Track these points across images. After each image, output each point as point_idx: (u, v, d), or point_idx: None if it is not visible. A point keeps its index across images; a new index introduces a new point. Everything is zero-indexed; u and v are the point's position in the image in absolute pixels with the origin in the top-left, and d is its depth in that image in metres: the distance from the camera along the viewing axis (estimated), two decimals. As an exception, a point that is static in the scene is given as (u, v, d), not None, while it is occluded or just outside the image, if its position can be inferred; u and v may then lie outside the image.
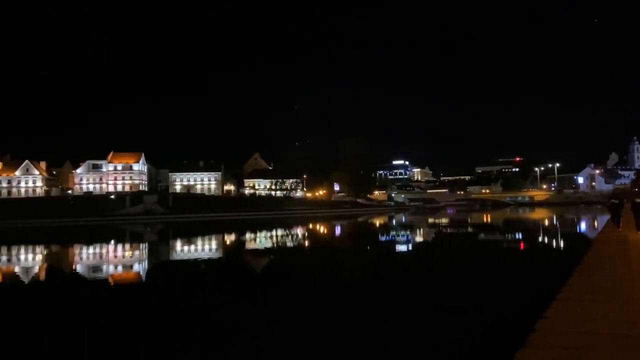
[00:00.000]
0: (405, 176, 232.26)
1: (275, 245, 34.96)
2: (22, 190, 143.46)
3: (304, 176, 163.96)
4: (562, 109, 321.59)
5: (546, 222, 54.93)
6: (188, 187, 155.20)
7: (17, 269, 23.42)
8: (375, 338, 9.03)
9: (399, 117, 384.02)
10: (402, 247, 28.09)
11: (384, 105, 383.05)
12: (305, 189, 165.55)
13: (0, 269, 23.93)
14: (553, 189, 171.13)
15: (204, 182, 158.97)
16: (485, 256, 22.13)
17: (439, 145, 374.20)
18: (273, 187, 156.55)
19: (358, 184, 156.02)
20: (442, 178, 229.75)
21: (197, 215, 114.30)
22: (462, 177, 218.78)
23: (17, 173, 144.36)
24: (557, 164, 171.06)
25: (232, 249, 34.42)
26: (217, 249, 33.14)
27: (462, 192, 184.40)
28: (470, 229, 47.24)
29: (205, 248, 33.77)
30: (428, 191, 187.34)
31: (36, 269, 23.49)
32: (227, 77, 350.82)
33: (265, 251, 29.64)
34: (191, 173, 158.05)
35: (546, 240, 32.07)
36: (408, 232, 43.17)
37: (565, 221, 55.21)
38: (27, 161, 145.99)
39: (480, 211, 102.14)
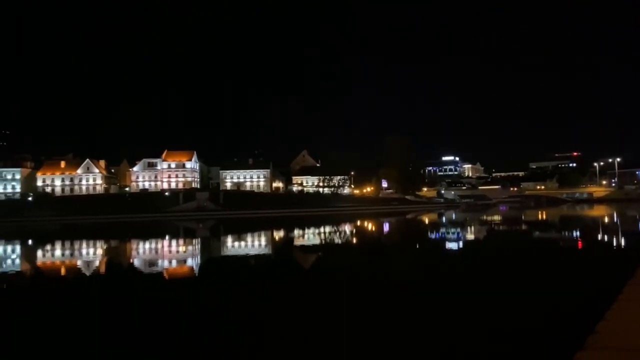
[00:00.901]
0: (456, 172, 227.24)
1: (323, 242, 35.13)
2: (84, 187, 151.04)
3: (352, 173, 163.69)
4: (623, 101, 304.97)
5: (606, 220, 52.29)
6: (238, 185, 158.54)
7: (79, 263, 24.71)
8: (435, 341, 8.92)
9: (448, 112, 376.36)
10: (452, 245, 27.55)
11: (433, 100, 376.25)
12: (352, 186, 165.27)
13: (64, 263, 25.31)
14: (613, 184, 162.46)
15: (253, 179, 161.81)
16: (541, 255, 21.36)
17: (491, 140, 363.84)
18: (320, 184, 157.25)
19: (406, 181, 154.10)
20: (494, 174, 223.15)
21: (247, 211, 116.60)
22: (515, 173, 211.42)
23: (79, 171, 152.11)
24: (618, 159, 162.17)
25: (281, 245, 34.87)
26: (266, 245, 33.69)
27: (515, 189, 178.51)
28: (524, 227, 45.67)
29: (255, 244, 34.40)
30: (479, 188, 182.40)
31: (97, 263, 24.69)
32: (274, 76, 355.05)
33: (314, 248, 29.84)
34: (241, 170, 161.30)
35: (606, 238, 30.56)
36: (459, 230, 42.24)
37: (626, 219, 52.35)
38: (87, 160, 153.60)
39: (535, 208, 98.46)
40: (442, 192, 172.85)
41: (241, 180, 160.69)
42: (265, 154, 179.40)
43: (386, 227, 52.13)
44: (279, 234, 45.53)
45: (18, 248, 37.27)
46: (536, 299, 11.71)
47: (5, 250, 35.38)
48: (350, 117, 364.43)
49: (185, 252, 29.96)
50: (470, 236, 35.02)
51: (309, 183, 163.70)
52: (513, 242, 28.65)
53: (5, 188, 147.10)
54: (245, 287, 15.06)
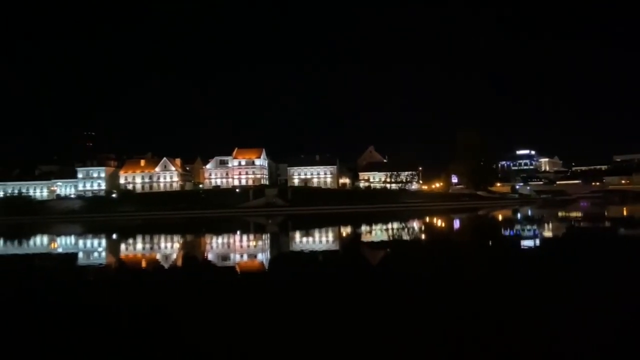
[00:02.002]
0: (531, 167, 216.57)
1: (391, 238, 34.72)
2: (162, 184, 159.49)
3: (420, 168, 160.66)
4: None
5: None
6: (305, 181, 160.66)
7: (158, 256, 26.04)
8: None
9: (524, 104, 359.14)
10: (528, 243, 26.24)
11: (507, 92, 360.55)
12: (421, 182, 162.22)
13: (144, 256, 26.78)
14: None
15: (320, 175, 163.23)
16: (630, 256, 19.83)
17: (570, 132, 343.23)
18: (388, 179, 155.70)
19: (477, 176, 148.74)
20: (573, 168, 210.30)
21: (314, 207, 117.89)
22: (597, 167, 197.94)
23: (157, 169, 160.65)
24: None
25: (348, 241, 34.88)
26: (334, 241, 33.82)
27: (597, 183, 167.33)
28: (608, 224, 42.60)
29: (322, 240, 34.64)
30: (557, 182, 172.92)
31: (174, 256, 25.92)
32: (345, 75, 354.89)
33: (381, 244, 29.55)
34: (308, 167, 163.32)
35: None
36: (536, 227, 40.18)
37: None
38: (165, 158, 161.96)
39: (620, 204, 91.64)
40: (517, 187, 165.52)
41: (308, 176, 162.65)
42: (332, 150, 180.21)
43: (456, 224, 50.65)
44: (346, 230, 45.55)
45: (104, 241, 39.94)
46: (628, 305, 10.85)
47: (92, 244, 38.08)
48: (419, 112, 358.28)
49: (255, 246, 30.73)
50: (548, 234, 33.19)
51: (375, 179, 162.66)
52: (599, 242, 26.80)
53: (92, 185, 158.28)
54: (314, 282, 15.16)
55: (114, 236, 46.16)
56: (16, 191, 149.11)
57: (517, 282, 13.93)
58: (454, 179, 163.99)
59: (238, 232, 46.54)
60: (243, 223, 66.44)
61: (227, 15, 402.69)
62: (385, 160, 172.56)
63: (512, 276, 15.23)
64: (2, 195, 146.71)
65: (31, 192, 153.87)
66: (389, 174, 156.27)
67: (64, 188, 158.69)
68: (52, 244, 39.05)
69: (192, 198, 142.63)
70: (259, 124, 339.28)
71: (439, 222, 54.72)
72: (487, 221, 55.84)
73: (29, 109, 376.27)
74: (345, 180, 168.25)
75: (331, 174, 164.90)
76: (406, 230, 42.41)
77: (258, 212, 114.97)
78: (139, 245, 34.02)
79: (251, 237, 40.56)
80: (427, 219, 60.08)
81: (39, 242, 42.57)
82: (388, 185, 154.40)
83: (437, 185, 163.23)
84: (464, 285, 13.65)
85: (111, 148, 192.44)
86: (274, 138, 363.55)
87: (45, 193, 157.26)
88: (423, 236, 36.63)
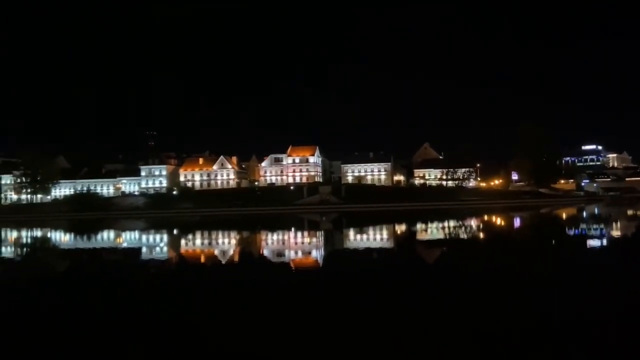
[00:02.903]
0: (598, 162, 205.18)
1: (447, 236, 33.93)
2: (219, 182, 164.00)
3: (477, 165, 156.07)
4: None
5: None
6: (359, 178, 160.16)
7: (216, 252, 26.76)
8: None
9: (590, 96, 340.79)
10: (595, 243, 24.83)
11: (571, 86, 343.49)
12: (478, 179, 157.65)
13: (203, 251, 27.59)
14: None
15: (374, 172, 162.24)
16: None
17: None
18: (444, 177, 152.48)
19: (540, 173, 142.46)
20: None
21: (368, 205, 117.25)
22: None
23: (215, 167, 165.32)
24: None
25: (403, 238, 34.40)
26: (388, 239, 33.46)
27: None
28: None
29: (377, 237, 34.38)
30: (626, 179, 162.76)
31: (231, 252, 26.54)
32: (398, 73, 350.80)
33: (437, 242, 28.94)
34: (362, 164, 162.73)
35: None
36: (602, 226, 38.00)
37: None
38: (222, 156, 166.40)
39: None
40: (583, 184, 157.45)
41: (362, 173, 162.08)
42: (386, 147, 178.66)
43: (517, 223, 48.78)
44: (400, 228, 44.97)
45: (165, 237, 41.55)
46: None
47: (155, 239, 39.72)
48: (477, 107, 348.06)
49: (310, 243, 30.93)
50: (616, 233, 31.27)
51: (431, 176, 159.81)
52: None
53: (154, 183, 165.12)
54: (367, 280, 15.03)
55: (175, 232, 47.90)
56: (85, 188, 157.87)
57: (582, 285, 13.19)
58: (514, 176, 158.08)
59: (292, 229, 47.03)
60: (297, 220, 67.11)
61: (282, 16, 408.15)
62: (441, 157, 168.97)
63: (577, 279, 14.44)
64: (72, 193, 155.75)
65: (98, 190, 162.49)
66: (445, 170, 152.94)
67: (128, 185, 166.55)
68: (118, 239, 41.04)
69: (248, 195, 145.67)
70: (312, 122, 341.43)
71: (498, 221, 52.94)
72: (550, 220, 53.42)
73: (94, 110, 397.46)
74: (399, 177, 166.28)
75: (385, 171, 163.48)
76: (463, 228, 41.30)
77: (312, 210, 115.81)
78: (198, 241, 35.12)
79: (305, 234, 40.88)
80: (486, 217, 58.26)
81: (106, 237, 44.88)
82: (444, 183, 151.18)
83: (496, 182, 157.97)
84: (524, 286, 13.08)
85: (172, 147, 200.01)
86: (328, 136, 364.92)
87: (111, 190, 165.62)
88: (481, 235, 35.54)
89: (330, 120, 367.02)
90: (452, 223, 48.10)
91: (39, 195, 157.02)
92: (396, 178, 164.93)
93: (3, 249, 35.15)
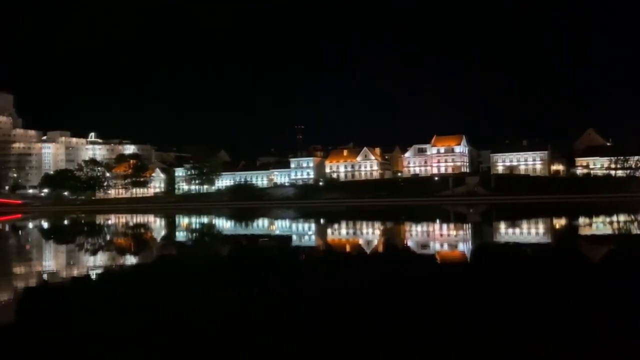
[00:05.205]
0: None
1: (616, 232, 30.05)
2: (362, 173, 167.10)
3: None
4: None
5: None
6: (511, 168, 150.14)
7: (360, 241, 27.31)
8: None
9: None
10: None
11: None
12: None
13: (348, 240, 28.36)
14: None
15: (528, 162, 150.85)
16: None
17: None
18: (612, 165, 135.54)
19: None
20: None
21: (521, 197, 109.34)
22: None
23: (358, 159, 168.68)
24: None
25: (562, 233, 31.40)
26: (544, 233, 30.81)
27: None
28: None
29: (531, 232, 31.88)
30: None
31: (375, 242, 26.86)
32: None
33: (604, 239, 25.81)
34: (514, 153, 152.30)
35: None
36: None
37: None
38: (365, 148, 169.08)
39: None
40: None
41: (514, 163, 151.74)
42: (542, 134, 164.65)
43: None
44: (559, 222, 41.09)
45: (313, 226, 43.61)
46: None
47: (304, 227, 41.95)
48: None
49: (456, 236, 29.90)
50: None
51: (596, 165, 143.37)
52: None
53: (302, 174, 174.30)
54: (520, 278, 14.02)
55: (322, 221, 49.99)
56: (242, 180, 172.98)
57: None
58: None
59: (437, 221, 45.90)
60: (442, 211, 65.24)
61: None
62: (609, 144, 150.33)
63: None
64: (232, 184, 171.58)
65: (254, 181, 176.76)
66: (613, 159, 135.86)
67: (279, 177, 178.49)
68: (271, 227, 44.22)
69: (391, 186, 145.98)
70: (458, 111, 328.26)
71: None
72: None
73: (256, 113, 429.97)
74: (557, 167, 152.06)
75: (541, 160, 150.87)
76: (637, 224, 36.22)
77: (458, 201, 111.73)
78: (343, 230, 36.19)
79: (451, 226, 39.59)
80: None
81: (261, 224, 48.64)
82: (612, 172, 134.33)
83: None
84: None
85: (318, 139, 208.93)
86: (475, 124, 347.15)
87: (265, 181, 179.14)
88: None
89: (476, 107, 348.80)
90: (622, 217, 42.51)
91: (205, 186, 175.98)
92: (554, 167, 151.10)
93: (177, 233, 40.23)
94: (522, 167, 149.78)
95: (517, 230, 32.58)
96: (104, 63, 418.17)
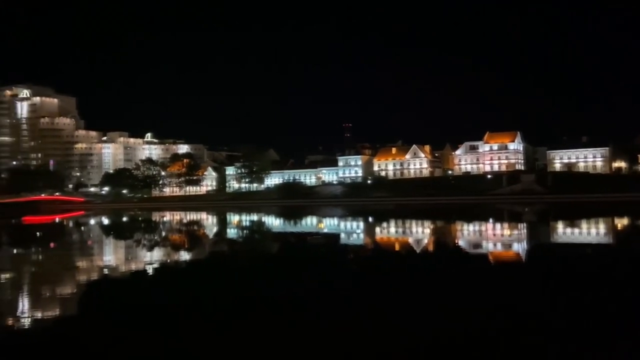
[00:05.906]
0: None
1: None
2: (412, 171, 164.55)
3: None
4: None
5: None
6: (569, 165, 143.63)
7: (410, 240, 26.93)
8: None
9: None
10: None
11: None
12: None
13: (397, 239, 28.02)
14: None
15: (588, 159, 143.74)
16: None
17: None
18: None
19: None
20: None
21: (580, 195, 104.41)
22: None
23: (407, 156, 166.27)
24: None
25: (624, 234, 29.73)
26: (606, 234, 29.28)
27: None
28: None
29: (591, 231, 30.39)
30: None
31: (425, 241, 26.41)
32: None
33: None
34: (572, 150, 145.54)
35: None
36: None
37: None
38: (414, 145, 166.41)
39: None
40: None
41: (572, 160, 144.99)
42: (597, 130, 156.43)
43: None
44: (621, 221, 38.95)
45: (361, 224, 43.43)
46: None
47: (352, 226, 41.85)
48: None
49: (510, 236, 28.92)
50: None
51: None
52: None
53: (350, 172, 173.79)
54: (579, 280, 13.39)
55: (370, 219, 49.69)
56: (291, 178, 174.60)
57: None
58: None
59: (491, 220, 44.59)
60: (495, 210, 63.31)
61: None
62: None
63: None
64: (280, 182, 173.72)
65: (302, 179, 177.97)
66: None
67: (327, 175, 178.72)
68: (320, 224, 44.37)
69: (442, 184, 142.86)
70: (512, 107, 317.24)
71: None
72: None
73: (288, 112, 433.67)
74: (620, 164, 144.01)
75: (602, 157, 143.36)
76: None
77: (512, 200, 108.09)
78: (392, 229, 35.82)
79: (505, 225, 38.35)
80: None
81: (310, 222, 48.93)
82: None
83: None
84: None
85: (366, 137, 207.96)
86: (530, 120, 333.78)
87: (313, 179, 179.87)
88: None
89: (532, 103, 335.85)
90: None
91: (255, 184, 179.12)
92: (616, 165, 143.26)
93: (229, 230, 41.16)
94: (581, 165, 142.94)
95: (576, 230, 31.14)
96: (156, 68, 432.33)
